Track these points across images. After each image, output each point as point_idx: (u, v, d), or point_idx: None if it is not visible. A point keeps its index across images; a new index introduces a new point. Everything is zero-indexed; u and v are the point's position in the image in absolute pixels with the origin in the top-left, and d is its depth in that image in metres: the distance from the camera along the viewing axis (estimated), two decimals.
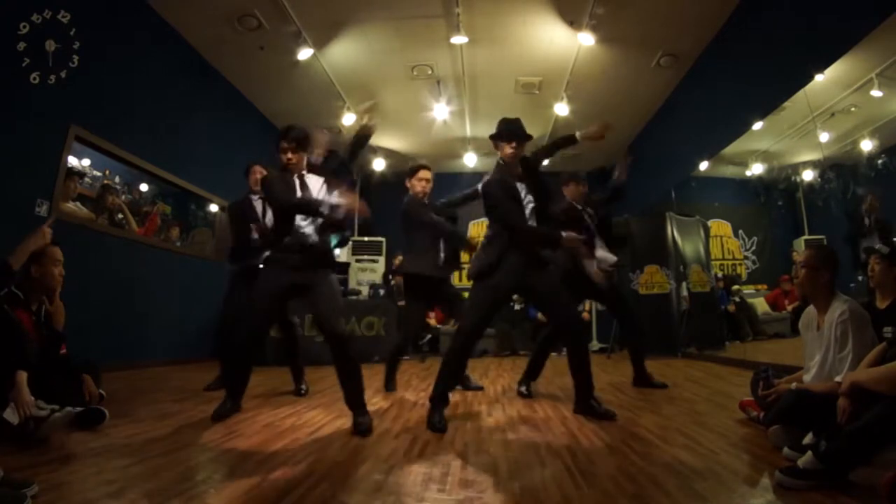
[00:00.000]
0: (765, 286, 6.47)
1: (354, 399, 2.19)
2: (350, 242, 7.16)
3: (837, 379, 1.69)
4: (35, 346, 2.16)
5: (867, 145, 4.36)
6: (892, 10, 2.90)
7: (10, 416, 1.75)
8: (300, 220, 2.31)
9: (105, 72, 3.96)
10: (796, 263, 2.11)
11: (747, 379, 2.40)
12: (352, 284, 6.34)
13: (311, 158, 2.43)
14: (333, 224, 2.37)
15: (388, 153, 7.94)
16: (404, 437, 2.04)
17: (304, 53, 5.02)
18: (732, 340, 5.73)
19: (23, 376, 1.82)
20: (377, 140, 7.65)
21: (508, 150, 2.38)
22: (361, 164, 8.43)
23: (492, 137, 2.45)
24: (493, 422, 2.36)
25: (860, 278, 3.64)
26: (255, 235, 3.21)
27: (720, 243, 6.80)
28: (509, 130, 2.38)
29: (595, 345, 6.94)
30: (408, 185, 3.43)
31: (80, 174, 4.55)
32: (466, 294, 2.62)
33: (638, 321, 3.59)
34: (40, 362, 2.10)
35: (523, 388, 3.15)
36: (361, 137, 2.64)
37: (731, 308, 6.03)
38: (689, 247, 5.90)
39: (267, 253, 2.47)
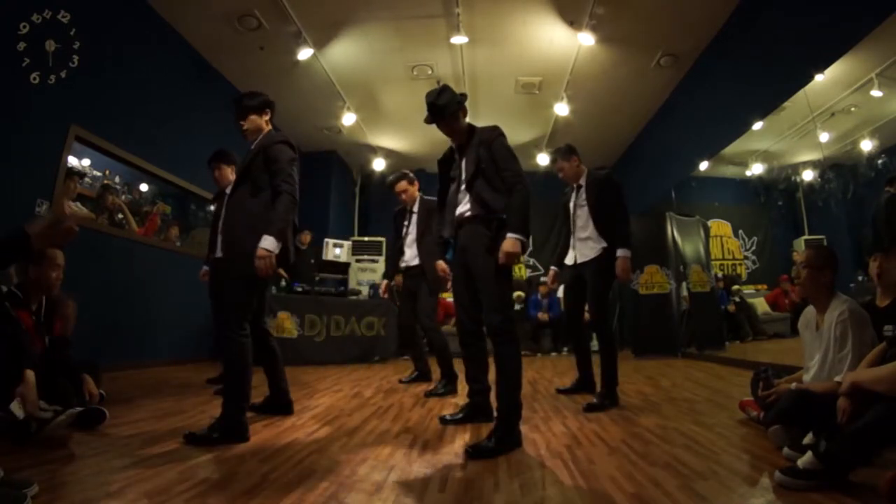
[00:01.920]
0: (765, 286, 6.48)
1: None
2: (350, 242, 7.17)
3: (837, 379, 1.69)
4: (36, 346, 2.16)
5: (867, 145, 4.36)
6: (892, 10, 2.90)
7: (17, 409, 1.75)
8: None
9: (105, 72, 3.96)
10: (796, 263, 2.11)
11: (747, 379, 2.40)
12: (352, 284, 6.33)
13: None
14: None
15: (388, 153, 7.94)
16: (404, 437, 2.04)
17: (304, 53, 5.02)
18: (732, 340, 5.74)
19: (31, 375, 1.82)
20: (377, 140, 7.66)
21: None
22: (361, 164, 8.45)
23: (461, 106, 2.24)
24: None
25: (860, 278, 3.64)
26: None
27: (720, 243, 6.80)
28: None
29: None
30: None
31: (80, 174, 4.54)
32: None
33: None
34: (42, 362, 2.10)
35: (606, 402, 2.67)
36: None
37: (731, 308, 6.04)
38: (689, 247, 5.90)
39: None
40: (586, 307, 3.06)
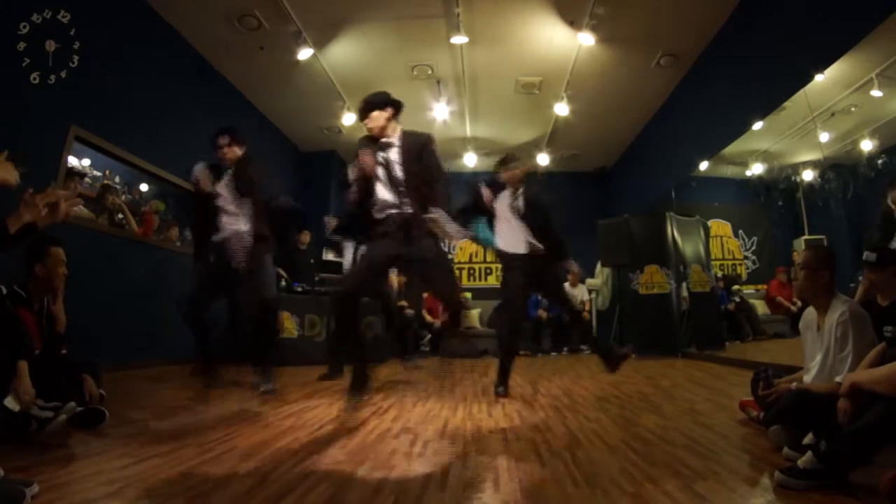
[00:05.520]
0: (765, 286, 6.48)
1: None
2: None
3: (838, 379, 1.69)
4: (36, 345, 2.16)
5: (867, 145, 4.37)
6: (892, 10, 2.90)
7: (11, 403, 1.75)
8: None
9: (105, 72, 3.96)
10: (796, 264, 2.11)
11: (747, 379, 2.40)
12: None
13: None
14: None
15: None
16: (404, 437, 2.04)
17: (304, 53, 5.02)
18: (732, 340, 5.74)
19: (24, 365, 1.82)
20: None
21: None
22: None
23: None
24: (493, 422, 2.36)
25: (861, 279, 3.63)
26: None
27: (720, 243, 6.81)
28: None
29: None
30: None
31: (80, 174, 4.55)
32: None
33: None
34: (42, 361, 2.10)
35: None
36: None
37: (732, 308, 6.04)
38: (689, 247, 5.90)
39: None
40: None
